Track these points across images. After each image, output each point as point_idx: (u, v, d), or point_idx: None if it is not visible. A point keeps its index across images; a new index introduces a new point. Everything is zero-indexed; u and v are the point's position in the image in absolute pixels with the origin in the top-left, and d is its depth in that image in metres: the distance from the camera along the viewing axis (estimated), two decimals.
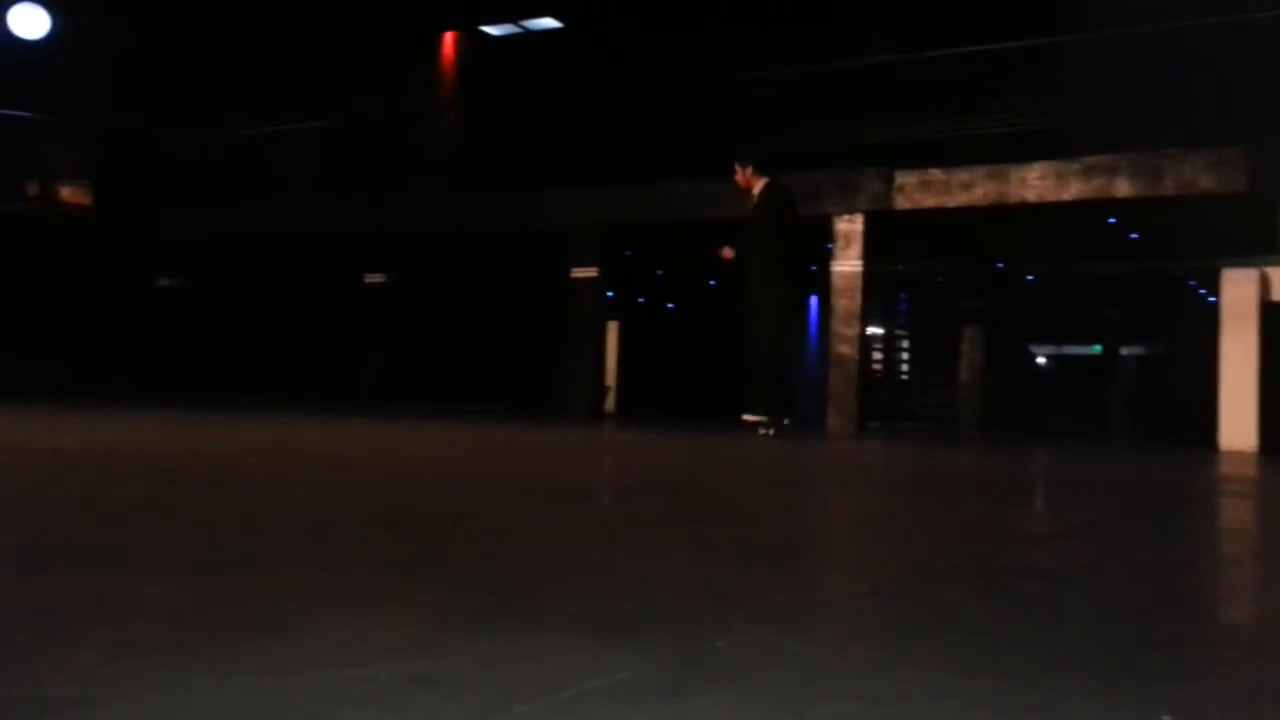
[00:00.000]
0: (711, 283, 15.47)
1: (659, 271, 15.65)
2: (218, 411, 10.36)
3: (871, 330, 13.01)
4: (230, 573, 2.13)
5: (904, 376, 17.06)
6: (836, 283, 10.83)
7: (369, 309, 13.99)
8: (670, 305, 16.81)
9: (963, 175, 10.30)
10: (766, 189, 8.56)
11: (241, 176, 14.97)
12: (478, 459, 6.13)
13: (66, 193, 15.21)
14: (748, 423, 8.51)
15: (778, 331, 8.52)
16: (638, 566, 2.42)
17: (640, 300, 16.35)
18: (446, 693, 1.34)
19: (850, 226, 10.74)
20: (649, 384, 15.15)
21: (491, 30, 16.24)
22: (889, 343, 16.24)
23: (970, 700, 1.40)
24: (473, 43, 16.05)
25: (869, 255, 10.75)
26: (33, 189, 14.90)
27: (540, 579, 2.25)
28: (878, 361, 15.16)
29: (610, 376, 14.58)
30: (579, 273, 12.88)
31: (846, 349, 10.76)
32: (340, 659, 1.48)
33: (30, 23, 12.95)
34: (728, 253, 8.50)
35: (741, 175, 8.69)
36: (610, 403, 14.52)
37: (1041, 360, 19.23)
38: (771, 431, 8.33)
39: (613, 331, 14.49)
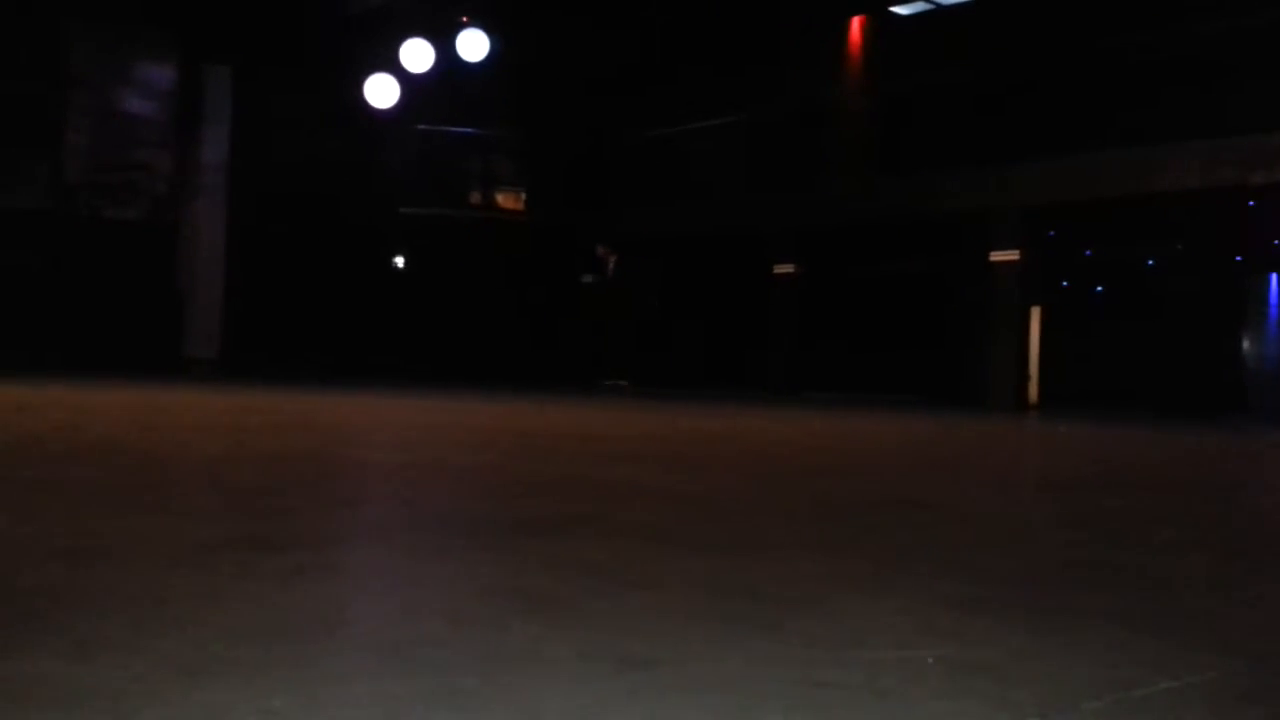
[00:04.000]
0: (1149, 262, 14.18)
1: (1087, 252, 14.58)
2: (652, 399, 10.91)
3: None
4: (727, 551, 2.20)
5: None
6: None
7: (779, 299, 14.19)
8: (1099, 288, 15.61)
9: None
10: (619, 260, 13.25)
11: (659, 177, 15.70)
12: (914, 448, 6.01)
13: (503, 199, 16.78)
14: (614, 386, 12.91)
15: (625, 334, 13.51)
16: (1153, 567, 2.23)
17: (1065, 283, 15.31)
18: (1001, 682, 1.29)
19: None
20: (1074, 372, 14.15)
21: (901, 10, 15.87)
22: None
23: None
24: (883, 25, 15.77)
25: None
26: (475, 197, 16.60)
27: (1049, 573, 2.13)
28: None
29: (1032, 365, 13.79)
30: (998, 256, 12.32)
31: None
32: (881, 640, 1.47)
33: (473, 46, 14.24)
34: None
35: (603, 252, 13.27)
36: (1032, 392, 13.73)
37: None
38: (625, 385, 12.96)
39: (1035, 317, 13.68)
